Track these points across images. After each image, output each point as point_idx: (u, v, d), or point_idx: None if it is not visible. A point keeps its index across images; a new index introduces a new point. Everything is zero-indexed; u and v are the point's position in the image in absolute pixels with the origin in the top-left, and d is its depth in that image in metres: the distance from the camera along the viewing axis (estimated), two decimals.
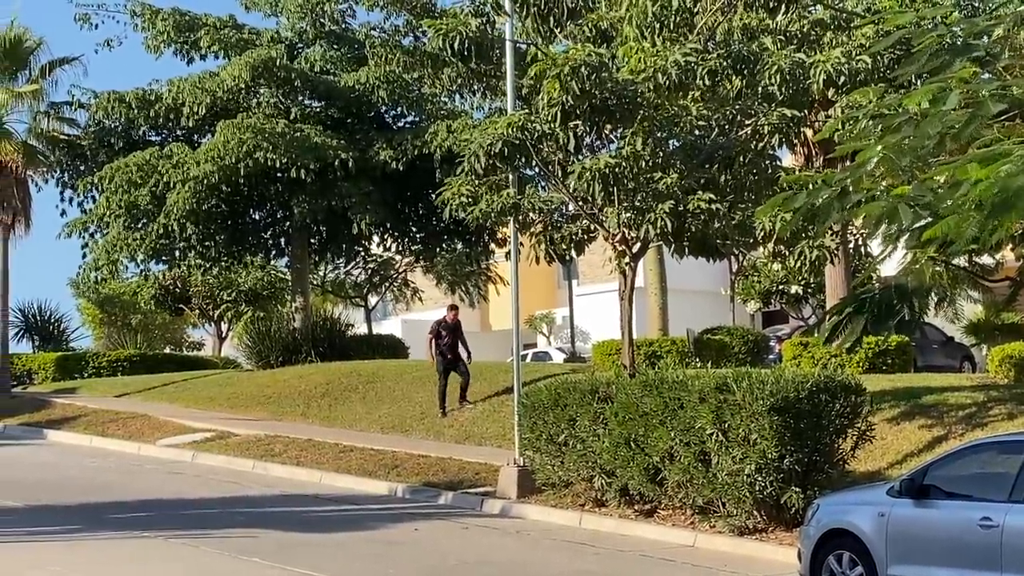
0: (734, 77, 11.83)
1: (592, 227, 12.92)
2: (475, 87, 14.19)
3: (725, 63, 11.69)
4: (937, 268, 11.68)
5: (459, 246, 23.29)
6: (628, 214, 11.97)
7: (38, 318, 29.32)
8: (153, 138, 22.53)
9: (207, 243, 21.41)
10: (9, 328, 23.09)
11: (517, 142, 11.61)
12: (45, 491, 13.04)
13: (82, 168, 22.20)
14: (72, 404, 20.37)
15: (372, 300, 29.96)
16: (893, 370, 17.37)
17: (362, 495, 13.84)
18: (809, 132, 14.94)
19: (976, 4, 15.42)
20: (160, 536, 10.53)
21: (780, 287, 27.45)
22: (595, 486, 11.78)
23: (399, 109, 22.19)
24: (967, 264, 12.25)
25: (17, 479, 13.90)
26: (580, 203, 12.52)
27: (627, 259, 12.37)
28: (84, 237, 22.03)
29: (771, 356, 20.92)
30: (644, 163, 11.75)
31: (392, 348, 24.15)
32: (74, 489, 13.31)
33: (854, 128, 10.94)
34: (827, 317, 13.19)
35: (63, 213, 22.75)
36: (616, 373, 13.11)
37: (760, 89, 11.95)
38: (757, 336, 21.92)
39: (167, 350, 31.77)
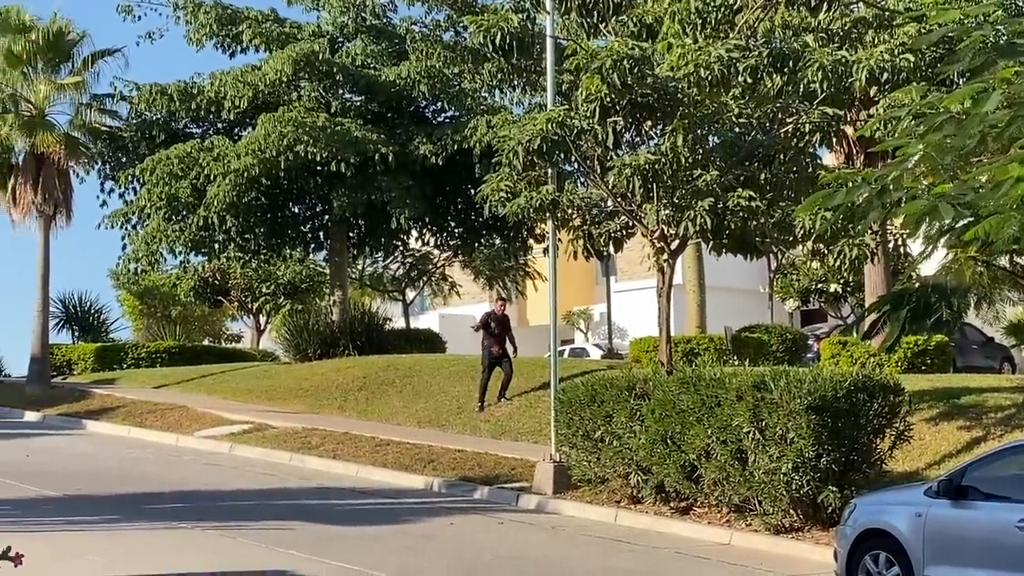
0: (775, 75, 11.94)
1: (631, 223, 13.08)
2: (515, 82, 14.40)
3: (766, 60, 11.83)
4: (978, 268, 12.03)
5: (497, 241, 23.58)
6: (667, 211, 12.13)
7: (78, 309, 29.84)
8: (194, 131, 23.02)
9: (246, 236, 21.84)
10: (49, 319, 23.57)
11: (556, 138, 11.74)
12: (84, 481, 13.33)
13: (123, 160, 22.61)
14: (111, 395, 20.79)
15: (410, 294, 30.47)
16: (932, 370, 17.66)
17: (398, 489, 14.09)
18: (850, 130, 15.07)
19: (1021, 4, 15.42)
20: (197, 527, 10.69)
21: (819, 285, 27.85)
22: (631, 483, 11.92)
23: (439, 104, 22.49)
24: (1008, 264, 12.43)
25: (56, 469, 14.23)
26: (619, 199, 12.67)
27: (665, 256, 12.52)
28: (124, 228, 22.36)
29: (809, 355, 21.16)
30: (684, 160, 11.88)
31: (429, 342, 24.61)
32: (112, 480, 13.60)
33: (896, 127, 11.10)
34: (865, 315, 13.32)
35: (103, 204, 23.14)
36: (653, 370, 13.25)
37: (801, 87, 12.04)
38: (795, 334, 22.27)
39: (205, 342, 32.27)
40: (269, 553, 9.90)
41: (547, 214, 12.79)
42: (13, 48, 21.13)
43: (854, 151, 16.84)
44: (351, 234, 23.16)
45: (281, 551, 9.82)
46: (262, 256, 23.93)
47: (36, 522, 10.85)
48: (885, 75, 12.23)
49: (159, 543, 10.23)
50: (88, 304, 30.08)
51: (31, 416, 19.78)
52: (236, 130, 22.32)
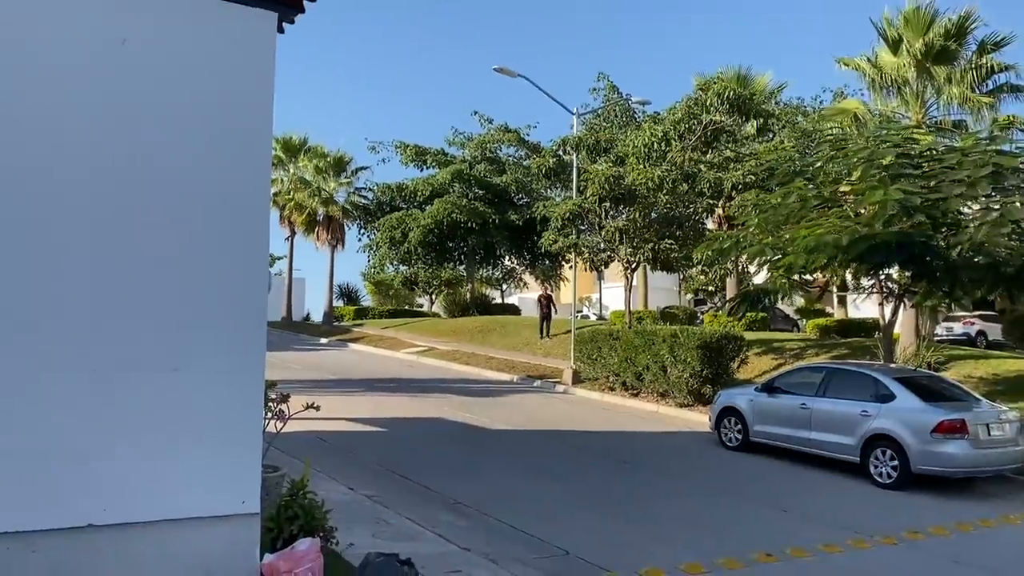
0: (684, 183, 22.49)
1: (612, 256, 23.58)
2: (557, 185, 25.11)
3: (680, 177, 22.44)
4: (783, 281, 16.87)
5: (547, 262, 38.00)
6: (630, 249, 22.62)
7: (346, 290, 55.23)
8: (402, 206, 38.93)
9: (427, 257, 37.78)
10: (333, 294, 42.71)
11: (577, 212, 22.43)
12: (346, 371, 21.56)
13: (369, 219, 38.10)
14: (360, 332, 34.32)
15: (504, 286, 47.49)
16: (758, 330, 26.75)
17: (497, 380, 22.37)
18: (720, 211, 25.16)
19: (807, 146, 24.24)
20: (402, 394, 18.26)
21: (703, 288, 45.15)
22: (609, 381, 20.31)
23: (520, 195, 37.67)
24: (798, 279, 17.07)
25: (329, 366, 22.88)
26: (606, 244, 23.16)
27: (629, 271, 23.09)
28: (369, 253, 38.64)
29: (698, 320, 31.82)
30: (638, 225, 22.40)
31: (513, 310, 43.57)
32: (361, 371, 22.03)
33: (744, 211, 19.30)
34: (728, 303, 23.04)
35: (359, 240, 40.51)
36: (620, 327, 22.61)
37: (698, 188, 22.60)
38: (691, 311, 34.89)
39: (405, 307, 52.26)
40: (435, 408, 16.02)
41: (571, 250, 23.46)
42: (319, 165, 40.14)
43: (723, 223, 26.00)
44: (476, 257, 38.06)
45: (441, 407, 16.29)
46: (433, 266, 40.21)
47: (324, 390, 16.91)
48: (739, 185, 22.71)
49: (383, 399, 16.78)
50: (351, 288, 56.14)
51: (323, 341, 32.91)
52: (423, 206, 37.67)
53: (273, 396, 7.28)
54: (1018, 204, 13.13)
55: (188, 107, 4.98)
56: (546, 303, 27.91)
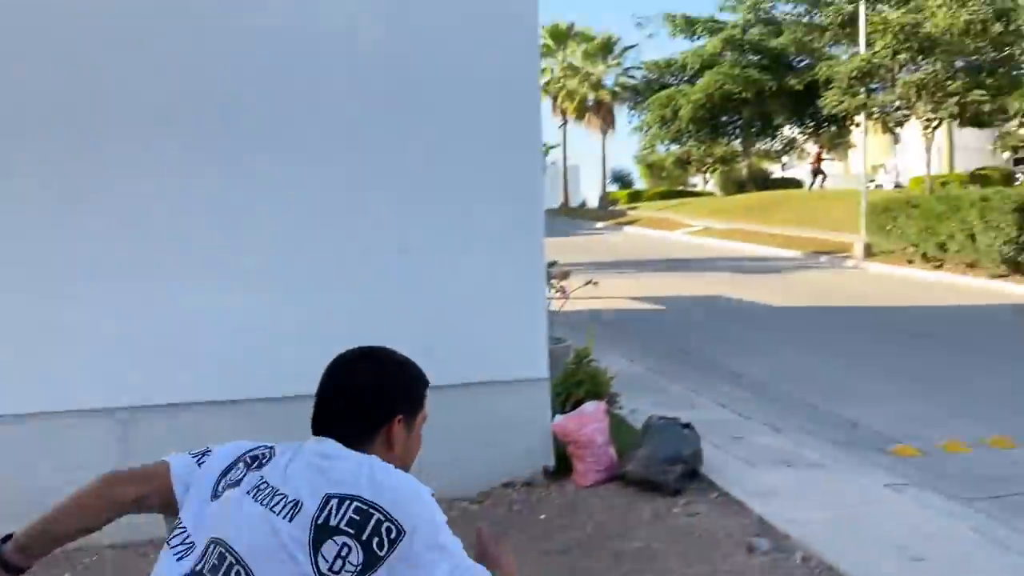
0: (997, 23, 19.58)
1: (908, 114, 21.40)
2: (843, 41, 22.91)
3: (991, 15, 19.54)
4: None
5: (833, 128, 35.14)
6: (931, 106, 20.40)
7: (620, 174, 56.17)
8: (672, 82, 38.63)
9: (699, 134, 37.57)
10: (606, 180, 45.09)
11: (866, 69, 20.44)
12: (619, 254, 21.84)
13: (639, 100, 38.22)
14: (635, 215, 35.03)
15: (784, 159, 45.27)
16: None
17: (779, 257, 21.48)
18: None
19: None
20: (676, 271, 18.24)
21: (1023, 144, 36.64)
22: (907, 253, 18.72)
23: (800, 56, 34.70)
24: None
25: (605, 249, 23.39)
26: (902, 101, 21.02)
27: (930, 131, 20.81)
28: (640, 135, 39.84)
29: (1017, 182, 27.09)
30: (940, 78, 20.06)
31: (796, 184, 38.31)
32: (633, 253, 22.27)
33: None
34: None
35: (630, 122, 41.78)
36: (919, 192, 20.32)
37: (1013, 28, 19.63)
38: (1009, 172, 29.70)
39: (680, 188, 48.45)
40: (713, 287, 15.89)
41: (861, 110, 21.49)
42: (588, 49, 41.15)
43: None
44: (752, 129, 36.79)
45: (719, 285, 16.23)
46: (707, 143, 39.24)
47: (601, 272, 15.62)
48: None
49: (660, 278, 16.98)
50: (624, 172, 57.09)
51: (598, 225, 33.81)
52: (693, 80, 36.35)
53: (554, 274, 7.60)
54: None
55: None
56: (816, 162, 30.78)
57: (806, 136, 37.81)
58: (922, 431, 7.09)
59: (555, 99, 40.11)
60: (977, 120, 21.59)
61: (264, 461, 1.74)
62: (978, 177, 27.72)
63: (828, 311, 13.97)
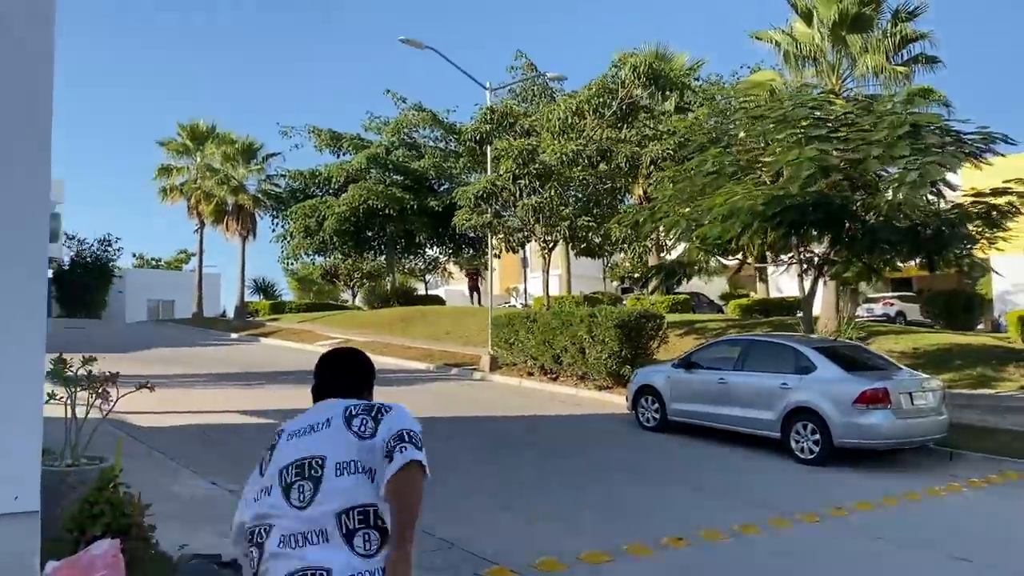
0: (601, 160, 21.94)
1: (528, 235, 22.86)
2: (476, 169, 24.16)
3: (595, 152, 21.87)
4: (700, 253, 17.86)
5: (471, 250, 38.12)
6: (546, 228, 21.98)
7: (262, 284, 51.71)
8: (317, 193, 38.01)
9: (344, 246, 36.10)
10: (245, 287, 40.48)
11: (491, 190, 21.58)
12: (249, 366, 20.77)
13: (282, 207, 36.40)
14: (275, 326, 32.06)
15: (428, 278, 47.01)
16: (683, 312, 26.72)
17: (415, 369, 21.64)
18: (640, 190, 24.74)
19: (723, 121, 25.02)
20: (305, 384, 17.80)
21: (629, 275, 41.91)
22: (527, 365, 19.73)
23: (439, 180, 36.66)
24: (715, 250, 17.43)
25: (234, 361, 21.98)
26: (522, 222, 22.42)
27: (546, 251, 22.36)
28: (283, 242, 37.81)
29: (622, 305, 30.51)
30: (554, 203, 21.77)
31: (438, 302, 40.46)
32: (265, 365, 21.17)
33: (662, 184, 19.27)
34: (646, 277, 21.34)
35: (273, 230, 39.37)
36: (538, 309, 22.04)
37: (615, 165, 22.08)
38: (616, 297, 34.27)
39: (328, 302, 49.40)
40: None
41: (487, 228, 22.55)
42: (228, 152, 37.92)
43: (642, 201, 25.27)
44: (396, 246, 37.13)
45: None
46: (352, 256, 39.12)
47: (223, 384, 17.14)
48: (658, 159, 22.29)
49: (285, 391, 15.72)
50: (266, 280, 52.75)
51: (233, 336, 30.61)
52: (338, 194, 36.41)
53: (97, 378, 6.29)
54: (936, 165, 12.61)
55: None
56: (472, 281, 34.50)
57: (447, 256, 39.31)
58: (523, 548, 6.82)
59: (190, 200, 37.68)
60: (589, 250, 23.61)
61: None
62: (592, 300, 30.63)
63: (451, 420, 13.77)
